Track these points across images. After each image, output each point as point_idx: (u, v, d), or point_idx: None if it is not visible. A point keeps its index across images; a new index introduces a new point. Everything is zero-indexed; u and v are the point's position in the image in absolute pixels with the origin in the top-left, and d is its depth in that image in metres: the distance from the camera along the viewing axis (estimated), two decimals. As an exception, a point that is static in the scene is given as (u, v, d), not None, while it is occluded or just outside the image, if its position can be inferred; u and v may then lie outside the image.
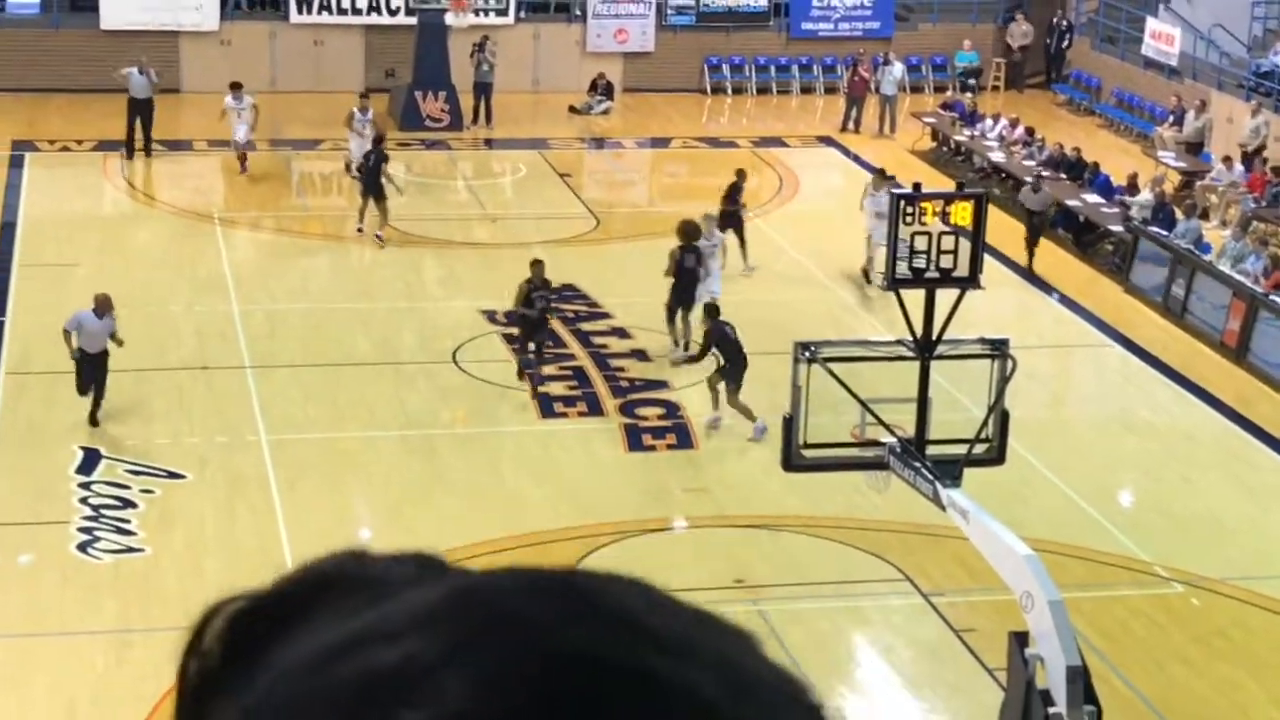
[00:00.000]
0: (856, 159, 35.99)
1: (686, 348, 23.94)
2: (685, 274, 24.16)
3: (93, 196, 31.67)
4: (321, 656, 1.08)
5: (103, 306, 21.15)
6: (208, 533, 18.93)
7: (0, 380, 22.78)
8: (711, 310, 22.36)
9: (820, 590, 18.17)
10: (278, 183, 33.07)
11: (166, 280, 26.69)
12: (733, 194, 28.02)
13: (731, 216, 27.48)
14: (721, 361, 21.89)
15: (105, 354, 21.13)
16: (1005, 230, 29.47)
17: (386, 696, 1.04)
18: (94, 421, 21.20)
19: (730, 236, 27.14)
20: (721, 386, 21.73)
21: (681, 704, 1.05)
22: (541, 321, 23.08)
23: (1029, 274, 28.22)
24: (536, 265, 23.45)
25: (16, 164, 32.82)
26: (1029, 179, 30.27)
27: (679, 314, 24.36)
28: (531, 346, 23.07)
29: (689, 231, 24.50)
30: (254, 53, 39.15)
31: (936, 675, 16.70)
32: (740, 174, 28.63)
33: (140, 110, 33.21)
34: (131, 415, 21.72)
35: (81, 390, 21.18)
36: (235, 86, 32.43)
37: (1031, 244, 28.97)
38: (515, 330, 23.62)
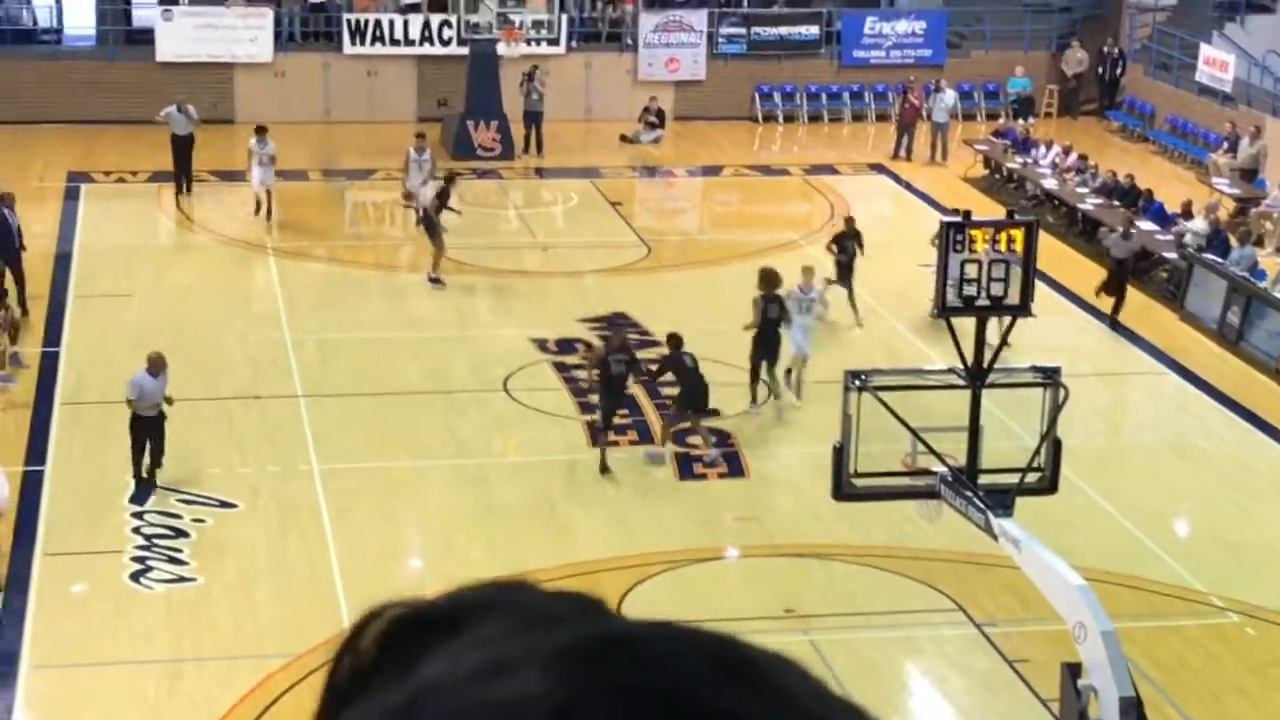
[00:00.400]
0: (909, 186, 35.93)
1: (776, 397, 23.37)
2: (768, 325, 23.03)
3: (147, 227, 31.89)
4: (466, 677, 1.11)
5: (156, 365, 20.49)
6: (259, 562, 18.97)
7: (55, 410, 22.92)
8: (674, 340, 22.13)
9: (872, 620, 18.08)
10: (331, 212, 33.22)
11: (220, 310, 26.82)
12: (841, 242, 26.94)
13: (842, 268, 26.63)
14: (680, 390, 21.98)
15: (162, 416, 20.57)
16: (1057, 257, 29.36)
17: None
18: (150, 480, 20.57)
19: (833, 290, 26.26)
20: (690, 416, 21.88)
21: None
22: (615, 387, 21.76)
23: (1115, 324, 27.48)
24: (614, 332, 23.23)
25: (72, 195, 33.08)
26: (1118, 226, 28.48)
27: (763, 368, 23.30)
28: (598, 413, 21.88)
29: (770, 279, 23.25)
30: (308, 83, 39.38)
31: (989, 706, 16.59)
32: (849, 222, 27.63)
33: (180, 147, 33.08)
34: (184, 445, 21.80)
35: (138, 455, 20.53)
36: (260, 131, 31.62)
37: (1118, 292, 27.46)
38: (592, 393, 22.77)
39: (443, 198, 28.42)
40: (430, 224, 28.15)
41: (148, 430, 20.47)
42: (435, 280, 27.90)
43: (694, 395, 21.65)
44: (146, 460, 20.58)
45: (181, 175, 32.96)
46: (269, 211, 31.07)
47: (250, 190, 31.70)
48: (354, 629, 1.19)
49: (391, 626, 1.20)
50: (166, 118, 33.07)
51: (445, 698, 1.10)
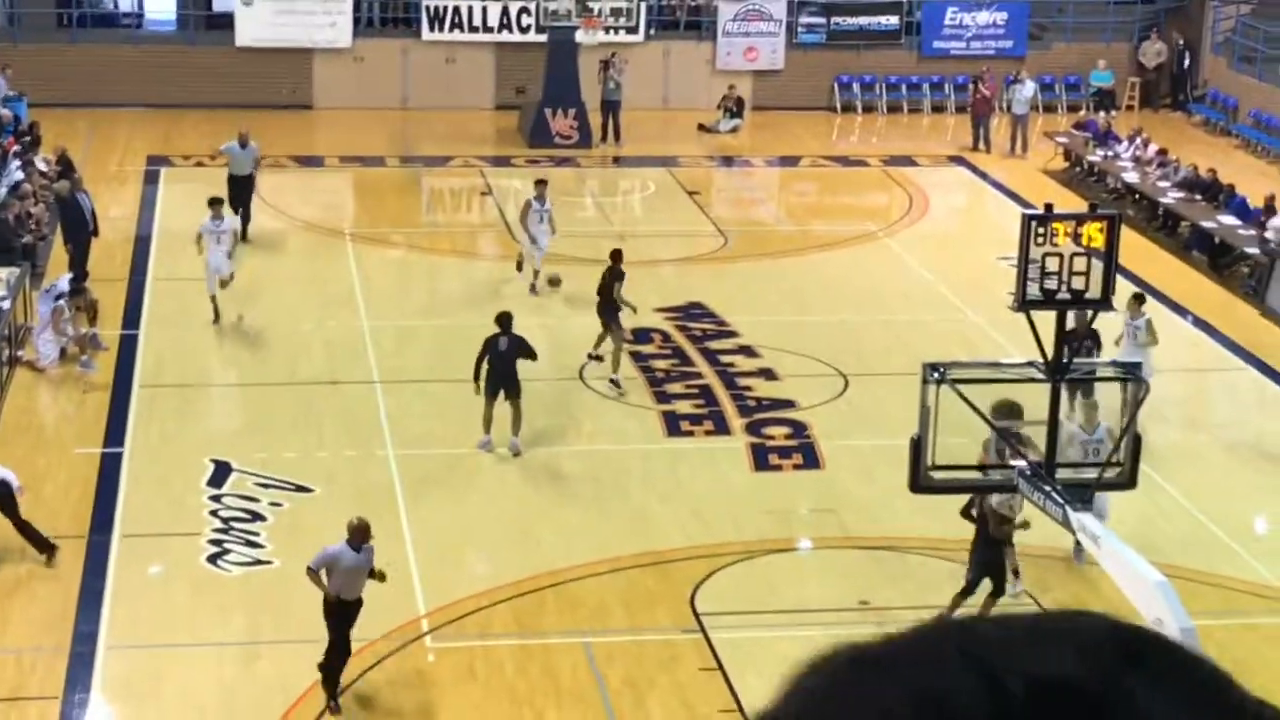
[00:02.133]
0: (987, 178, 35.72)
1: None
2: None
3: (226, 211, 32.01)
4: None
5: (359, 536, 16.22)
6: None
7: (134, 393, 23.09)
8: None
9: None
10: (408, 199, 33.31)
11: (297, 296, 26.95)
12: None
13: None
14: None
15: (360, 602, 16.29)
16: (1138, 251, 29.12)
17: None
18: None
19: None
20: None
21: None
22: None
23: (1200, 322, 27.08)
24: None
25: (152, 179, 33.31)
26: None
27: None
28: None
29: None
30: (386, 69, 39.51)
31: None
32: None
33: (239, 189, 29.26)
34: (261, 429, 21.94)
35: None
36: (215, 203, 26.25)
37: None
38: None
39: (613, 277, 24.07)
40: (605, 312, 23.89)
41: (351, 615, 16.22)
42: (615, 382, 23.69)
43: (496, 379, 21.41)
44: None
45: (240, 218, 28.76)
46: (216, 313, 25.39)
47: (204, 289, 25.54)
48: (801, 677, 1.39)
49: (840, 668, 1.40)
50: (226, 153, 29.95)
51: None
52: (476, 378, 21.30)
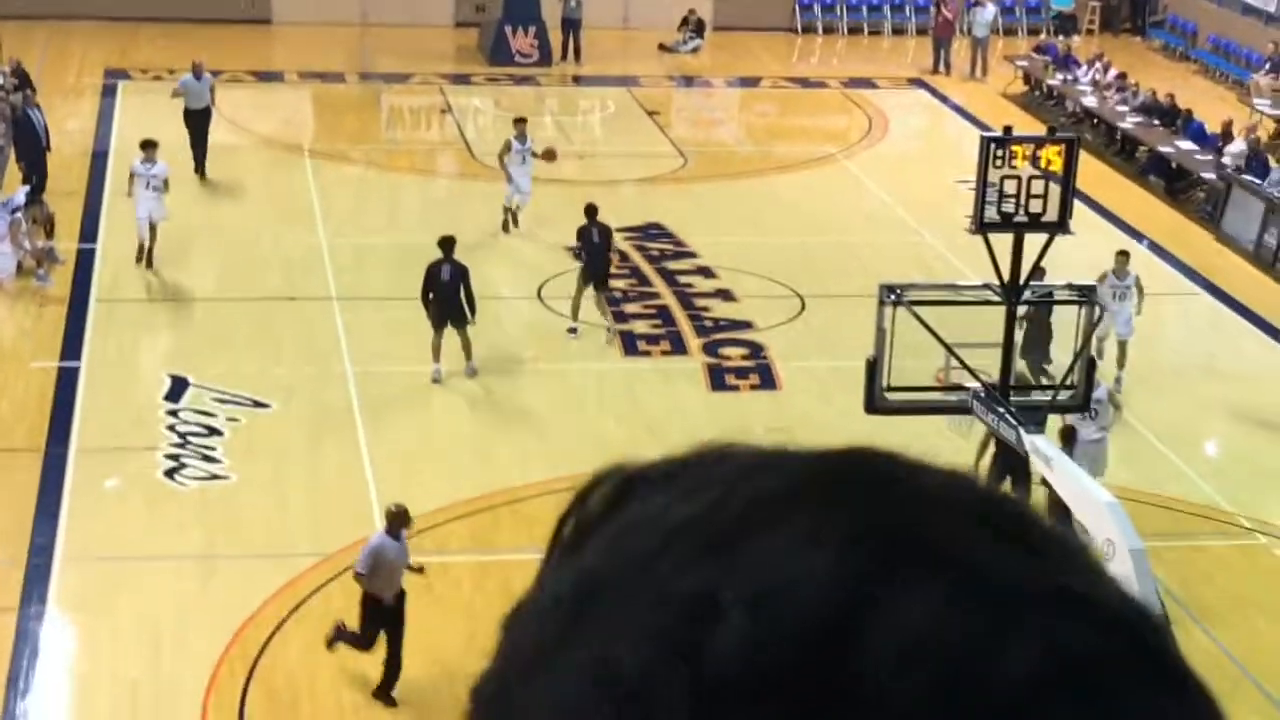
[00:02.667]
0: (947, 101, 35.74)
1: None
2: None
3: (184, 126, 31.83)
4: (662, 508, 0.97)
5: (398, 522, 15.20)
6: (292, 462, 19.09)
7: (91, 307, 23.02)
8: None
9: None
10: (367, 116, 33.17)
11: (255, 211, 26.87)
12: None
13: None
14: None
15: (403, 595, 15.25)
16: (1095, 176, 29.22)
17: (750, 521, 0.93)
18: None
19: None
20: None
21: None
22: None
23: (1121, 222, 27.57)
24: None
25: (109, 93, 33.08)
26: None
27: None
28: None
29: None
30: (345, -15, 39.22)
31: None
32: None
33: (197, 123, 28.44)
34: (219, 345, 21.91)
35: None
36: (147, 146, 24.68)
37: None
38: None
39: (602, 233, 22.97)
40: (595, 265, 22.83)
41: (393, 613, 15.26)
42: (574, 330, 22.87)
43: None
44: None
45: (197, 154, 28.24)
46: (150, 255, 24.14)
47: (135, 227, 24.42)
48: (580, 492, 1.02)
49: (622, 486, 1.02)
50: (182, 89, 28.61)
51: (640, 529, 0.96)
52: (425, 305, 21.01)
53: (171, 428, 19.73)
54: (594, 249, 22.68)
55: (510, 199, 26.18)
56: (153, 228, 24.04)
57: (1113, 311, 20.99)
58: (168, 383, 20.75)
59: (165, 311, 23.10)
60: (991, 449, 16.97)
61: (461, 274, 20.93)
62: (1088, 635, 0.88)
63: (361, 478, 18.63)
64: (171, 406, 20.22)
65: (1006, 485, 16.55)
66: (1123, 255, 22.33)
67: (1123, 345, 21.67)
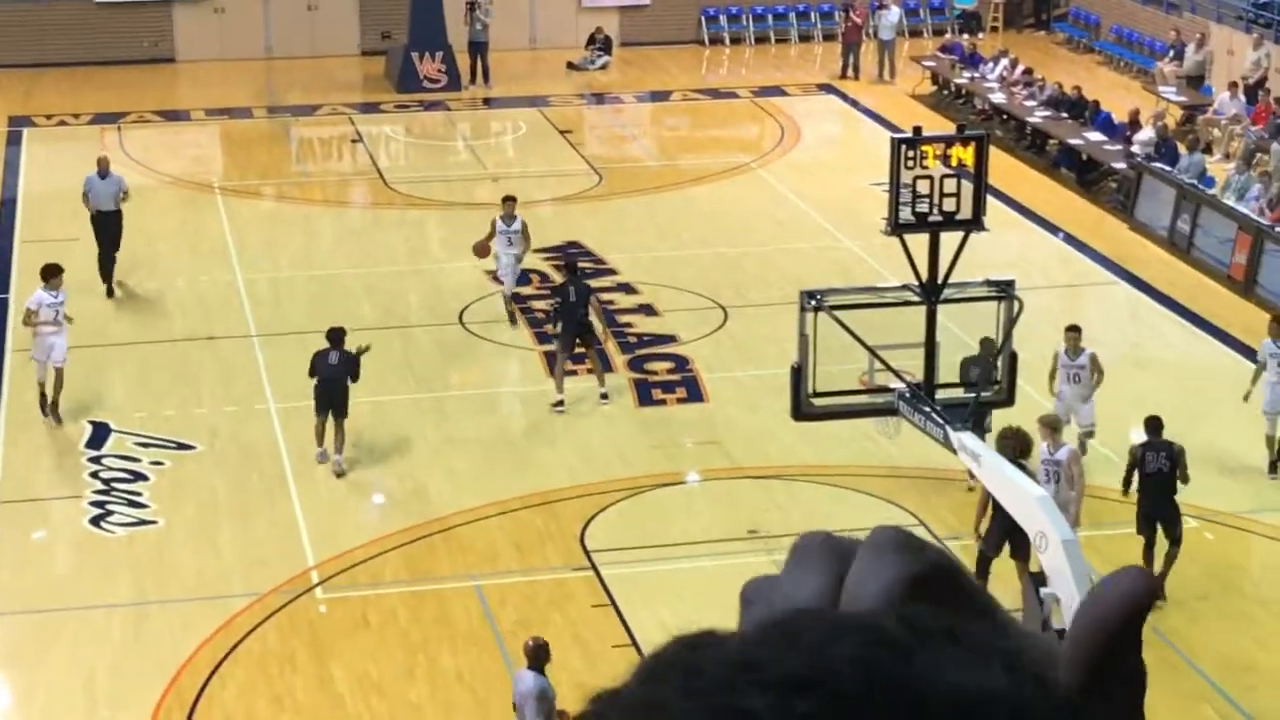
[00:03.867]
0: (857, 105, 35.88)
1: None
2: None
3: (91, 170, 31.52)
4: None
5: (538, 658, 14.64)
6: (220, 503, 18.91)
7: (7, 357, 22.75)
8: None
9: (835, 538, 18.11)
10: (277, 149, 32.98)
11: (169, 252, 26.65)
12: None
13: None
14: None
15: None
16: (1008, 171, 29.39)
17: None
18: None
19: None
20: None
21: None
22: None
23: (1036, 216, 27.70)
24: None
25: (14, 140, 32.75)
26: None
27: None
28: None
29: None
30: (248, 19, 39.03)
31: (954, 619, 16.67)
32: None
33: (105, 228, 24.62)
34: (139, 389, 21.69)
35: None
36: (49, 273, 21.24)
37: None
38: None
39: (581, 293, 21.49)
40: (575, 328, 21.25)
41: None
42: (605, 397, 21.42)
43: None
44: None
45: (104, 266, 24.64)
46: (55, 404, 20.74)
47: (35, 368, 21.12)
48: None
49: None
50: (87, 189, 24.94)
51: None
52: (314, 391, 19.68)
53: (95, 475, 19.52)
54: (567, 308, 21.11)
55: (507, 290, 23.75)
56: (57, 372, 20.70)
57: (1064, 399, 19.26)
58: (89, 430, 20.52)
59: (83, 358, 22.83)
60: (990, 512, 16.58)
61: (349, 362, 19.64)
62: None
63: (291, 515, 18.47)
64: (94, 453, 20.00)
65: (1006, 549, 16.52)
66: (1073, 331, 19.56)
67: (1081, 441, 19.01)
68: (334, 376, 19.57)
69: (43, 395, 20.77)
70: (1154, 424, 17.69)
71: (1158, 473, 17.13)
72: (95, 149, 32.13)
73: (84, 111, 34.45)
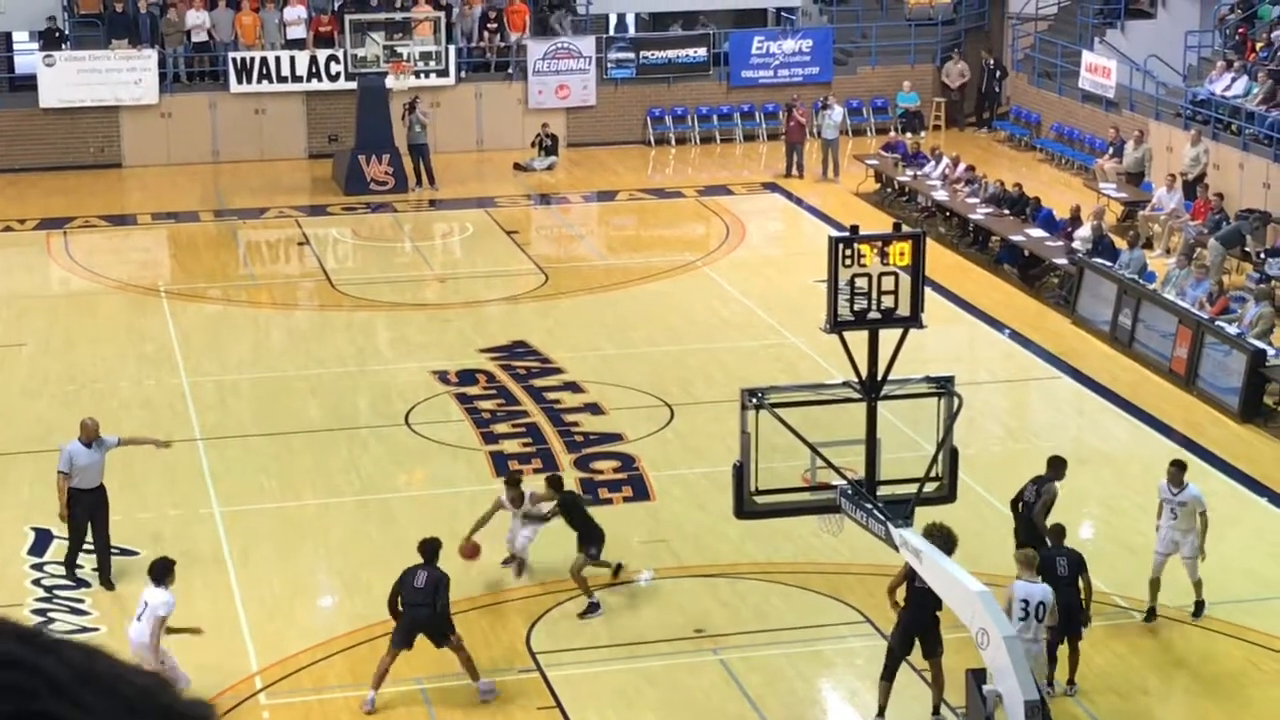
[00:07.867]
0: (801, 203, 36.16)
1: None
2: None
3: (38, 274, 31.55)
4: None
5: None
6: (163, 608, 18.72)
7: (-50, 464, 22.60)
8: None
9: (781, 636, 18.13)
10: (224, 252, 32.99)
11: (114, 356, 26.59)
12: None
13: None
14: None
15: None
16: (951, 267, 29.62)
17: None
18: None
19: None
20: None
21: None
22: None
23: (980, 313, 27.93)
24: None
25: (-40, 246, 32.68)
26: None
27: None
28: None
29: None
30: (195, 124, 39.16)
31: (901, 715, 16.66)
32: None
33: (89, 509, 19.46)
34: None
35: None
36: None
37: None
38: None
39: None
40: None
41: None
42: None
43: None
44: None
45: (100, 558, 19.56)
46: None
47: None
48: None
49: None
50: (68, 461, 19.38)
51: None
52: (393, 612, 17.01)
53: (37, 582, 19.37)
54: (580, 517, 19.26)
55: (521, 549, 19.70)
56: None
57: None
58: (31, 536, 20.39)
59: (25, 463, 22.72)
60: (904, 604, 16.32)
61: (440, 582, 16.83)
62: None
63: (234, 619, 18.35)
64: (36, 560, 19.86)
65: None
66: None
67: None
68: (422, 595, 16.71)
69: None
70: (1057, 530, 17.74)
71: (1064, 576, 17.08)
72: (41, 253, 32.16)
73: (29, 217, 34.44)
